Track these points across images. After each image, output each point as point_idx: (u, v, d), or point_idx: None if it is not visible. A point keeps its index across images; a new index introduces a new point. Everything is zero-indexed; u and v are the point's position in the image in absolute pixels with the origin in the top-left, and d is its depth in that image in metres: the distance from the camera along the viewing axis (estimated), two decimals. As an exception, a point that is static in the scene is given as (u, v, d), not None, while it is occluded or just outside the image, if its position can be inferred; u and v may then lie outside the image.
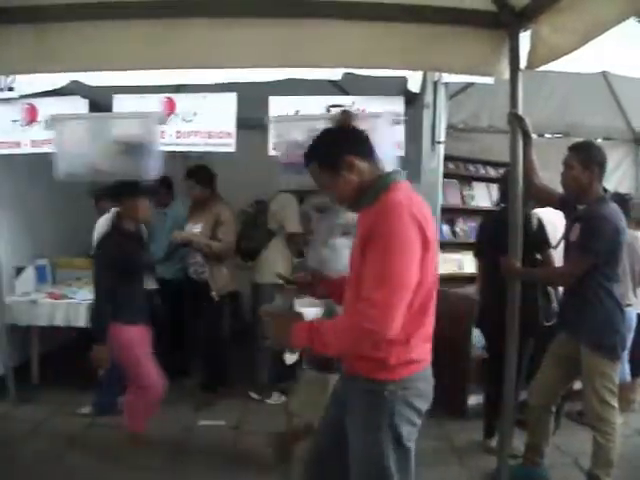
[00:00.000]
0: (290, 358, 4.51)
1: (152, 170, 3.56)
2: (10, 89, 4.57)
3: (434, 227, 2.03)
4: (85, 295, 5.00)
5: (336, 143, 2.08)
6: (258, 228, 4.96)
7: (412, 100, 4.38)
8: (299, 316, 2.04)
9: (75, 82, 4.16)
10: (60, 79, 4.25)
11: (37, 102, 4.60)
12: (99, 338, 3.49)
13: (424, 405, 2.12)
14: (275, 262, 4.87)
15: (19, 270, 5.23)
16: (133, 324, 3.63)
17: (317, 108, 4.28)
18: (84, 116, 3.98)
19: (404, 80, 4.17)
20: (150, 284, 4.76)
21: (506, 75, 3.18)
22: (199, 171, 4.87)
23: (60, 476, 3.67)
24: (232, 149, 4.27)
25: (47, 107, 4.58)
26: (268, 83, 3.90)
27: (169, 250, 5.08)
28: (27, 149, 4.61)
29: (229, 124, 4.25)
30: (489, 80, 3.88)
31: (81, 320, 4.83)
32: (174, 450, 4.05)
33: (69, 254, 5.85)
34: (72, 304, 4.95)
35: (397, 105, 4.25)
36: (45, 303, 4.96)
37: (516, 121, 3.11)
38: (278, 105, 4.25)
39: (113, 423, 4.36)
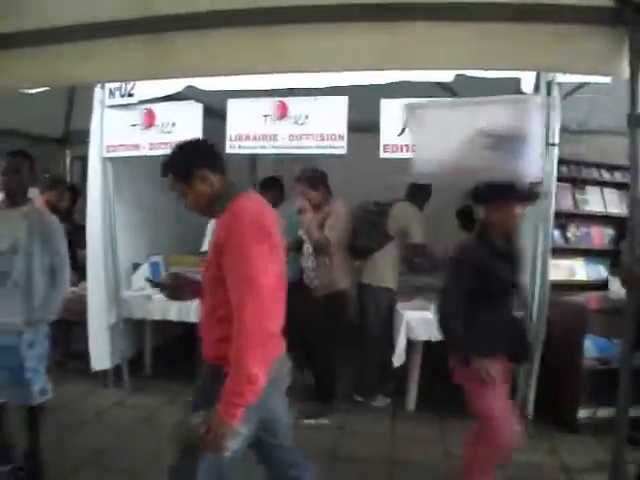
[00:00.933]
0: (398, 359, 4.51)
1: (530, 170, 2.88)
2: (130, 95, 4.82)
3: (279, 234, 2.26)
4: (196, 292, 5.18)
5: (190, 157, 2.30)
6: (377, 229, 4.90)
7: (525, 101, 4.27)
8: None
9: (190, 87, 4.32)
10: (176, 85, 4.45)
11: (155, 107, 4.83)
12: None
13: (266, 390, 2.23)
14: (385, 266, 4.89)
15: (135, 266, 5.49)
16: (492, 356, 2.98)
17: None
18: (444, 103, 3.44)
19: (517, 81, 4.07)
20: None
21: (626, 75, 3.04)
22: (307, 175, 4.73)
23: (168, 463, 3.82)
24: (343, 152, 4.29)
25: (164, 112, 4.82)
26: (379, 86, 3.92)
27: None
28: (145, 151, 4.85)
29: (340, 127, 4.28)
30: (605, 79, 3.72)
31: (192, 316, 5.01)
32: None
33: (180, 251, 6.08)
34: (185, 300, 5.14)
35: (510, 107, 4.15)
36: (159, 298, 5.15)
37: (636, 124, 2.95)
38: (390, 108, 4.26)
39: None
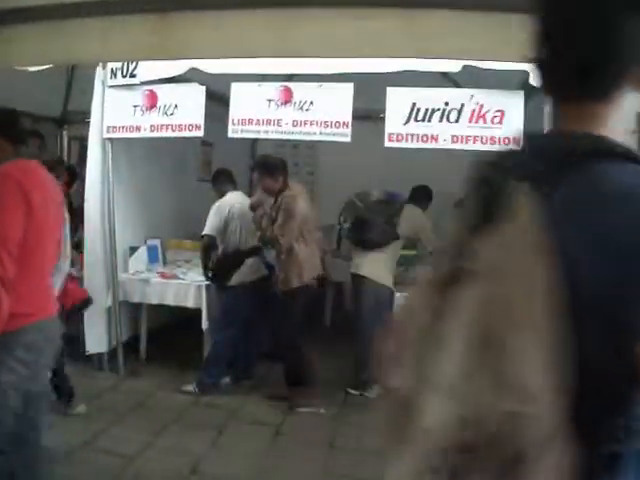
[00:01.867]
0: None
1: None
2: (132, 76, 4.74)
3: (52, 201, 2.43)
4: (194, 277, 5.17)
5: None
6: (390, 225, 4.70)
7: (532, 94, 4.23)
8: None
9: (194, 69, 4.26)
10: (179, 67, 4.37)
11: (157, 88, 4.76)
12: None
13: (31, 356, 2.34)
14: (385, 263, 4.79)
15: (133, 249, 5.43)
16: None
17: (435, 101, 4.20)
18: None
19: (526, 74, 4.03)
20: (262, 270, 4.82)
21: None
22: (266, 162, 4.61)
23: (161, 448, 3.79)
24: (347, 139, 4.24)
25: (166, 94, 4.74)
26: (384, 74, 3.87)
27: None
28: (146, 133, 4.78)
29: (345, 114, 4.22)
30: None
31: (190, 300, 4.98)
32: (274, 433, 4.13)
33: (178, 236, 6.03)
34: (182, 284, 5.11)
35: (517, 100, 4.12)
36: (157, 282, 5.14)
37: None
38: (396, 96, 4.20)
39: (215, 402, 4.50)
